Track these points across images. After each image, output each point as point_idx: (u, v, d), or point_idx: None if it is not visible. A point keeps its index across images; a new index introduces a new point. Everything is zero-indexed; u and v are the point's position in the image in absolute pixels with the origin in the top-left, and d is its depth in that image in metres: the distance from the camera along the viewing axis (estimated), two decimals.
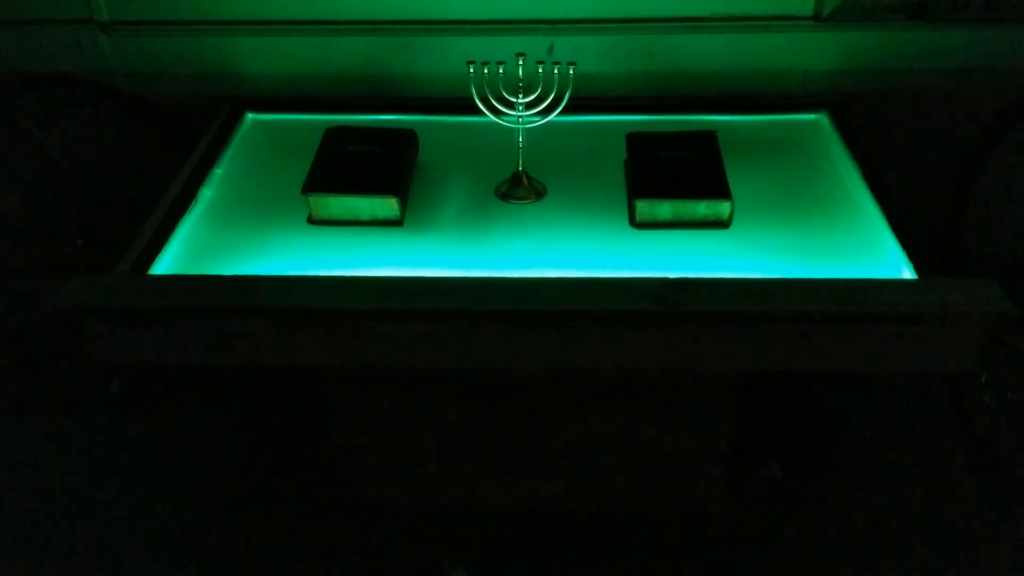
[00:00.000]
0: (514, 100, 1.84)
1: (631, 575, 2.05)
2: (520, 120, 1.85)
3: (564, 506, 2.15)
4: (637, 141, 1.95)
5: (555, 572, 2.06)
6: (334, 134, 1.98)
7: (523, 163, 1.90)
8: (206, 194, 1.94)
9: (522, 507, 2.16)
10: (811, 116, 2.16)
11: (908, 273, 1.66)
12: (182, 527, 2.17)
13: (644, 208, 1.79)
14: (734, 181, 1.83)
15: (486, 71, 1.80)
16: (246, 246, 1.78)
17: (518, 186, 1.90)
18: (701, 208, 1.78)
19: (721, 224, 1.79)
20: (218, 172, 2.01)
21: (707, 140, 1.94)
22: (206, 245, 1.80)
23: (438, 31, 2.21)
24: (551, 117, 1.84)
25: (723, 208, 1.78)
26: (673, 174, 1.84)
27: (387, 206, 1.82)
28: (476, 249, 1.77)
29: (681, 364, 1.63)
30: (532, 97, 1.83)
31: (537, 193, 1.91)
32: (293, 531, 2.15)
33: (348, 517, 2.17)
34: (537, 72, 1.80)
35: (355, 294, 1.60)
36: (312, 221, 1.84)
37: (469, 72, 1.80)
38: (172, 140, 2.32)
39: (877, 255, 1.72)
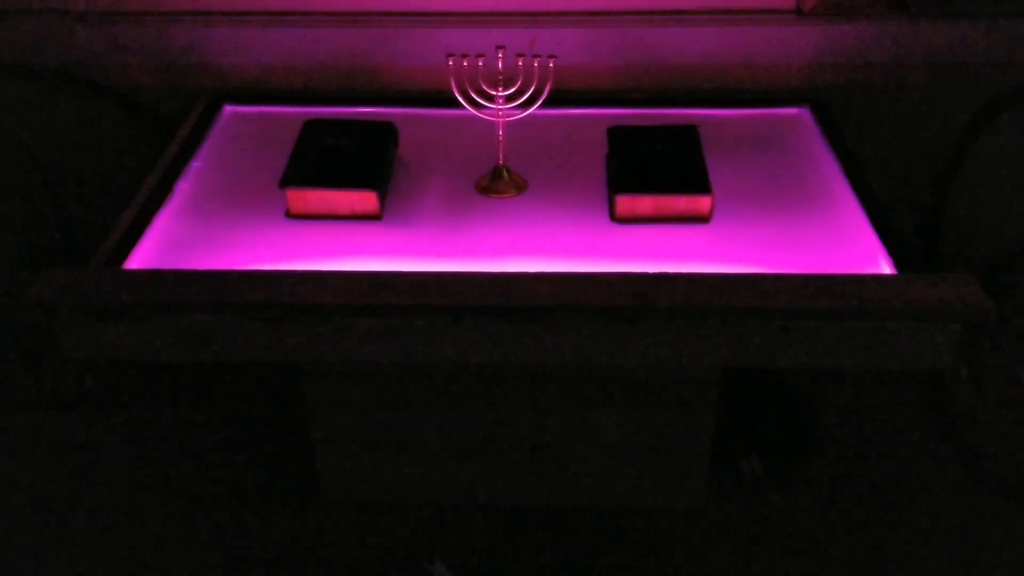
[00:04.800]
0: (494, 93, 1.83)
1: (613, 570, 2.05)
2: (500, 113, 1.84)
3: (545, 502, 2.15)
4: (618, 135, 1.94)
5: (537, 567, 2.06)
6: (312, 127, 1.96)
7: (504, 157, 1.89)
8: (183, 187, 1.92)
9: (503, 502, 2.15)
10: (792, 110, 2.16)
11: (888, 268, 1.66)
12: (159, 526, 2.15)
13: (625, 202, 1.78)
14: (715, 175, 1.83)
15: (466, 63, 1.79)
16: (223, 240, 1.77)
17: (498, 180, 1.89)
18: (682, 203, 1.78)
19: (702, 219, 1.79)
20: (195, 165, 1.99)
21: (688, 134, 1.94)
22: (182, 239, 1.78)
23: (418, 23, 2.19)
24: (532, 110, 1.83)
25: (703, 203, 1.78)
26: (654, 168, 1.83)
27: (366, 200, 1.80)
28: (456, 244, 1.76)
29: (661, 359, 1.63)
30: (512, 90, 1.82)
31: (518, 187, 1.90)
32: (272, 528, 2.14)
33: (328, 514, 2.16)
34: (518, 65, 1.79)
35: (333, 289, 1.58)
36: (290, 215, 1.82)
37: (449, 65, 1.79)
38: (149, 132, 2.29)
39: (857, 250, 1.73)
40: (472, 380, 1.96)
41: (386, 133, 1.96)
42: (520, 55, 1.80)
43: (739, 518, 2.15)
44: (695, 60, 2.21)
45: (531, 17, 2.18)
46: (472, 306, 1.56)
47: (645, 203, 1.78)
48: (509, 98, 1.83)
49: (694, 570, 2.04)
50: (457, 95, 1.82)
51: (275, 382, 2.49)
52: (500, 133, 1.87)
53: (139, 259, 1.72)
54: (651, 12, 2.19)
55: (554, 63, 1.78)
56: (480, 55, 1.79)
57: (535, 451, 2.06)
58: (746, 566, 2.05)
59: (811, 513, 2.15)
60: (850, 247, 1.73)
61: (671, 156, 1.87)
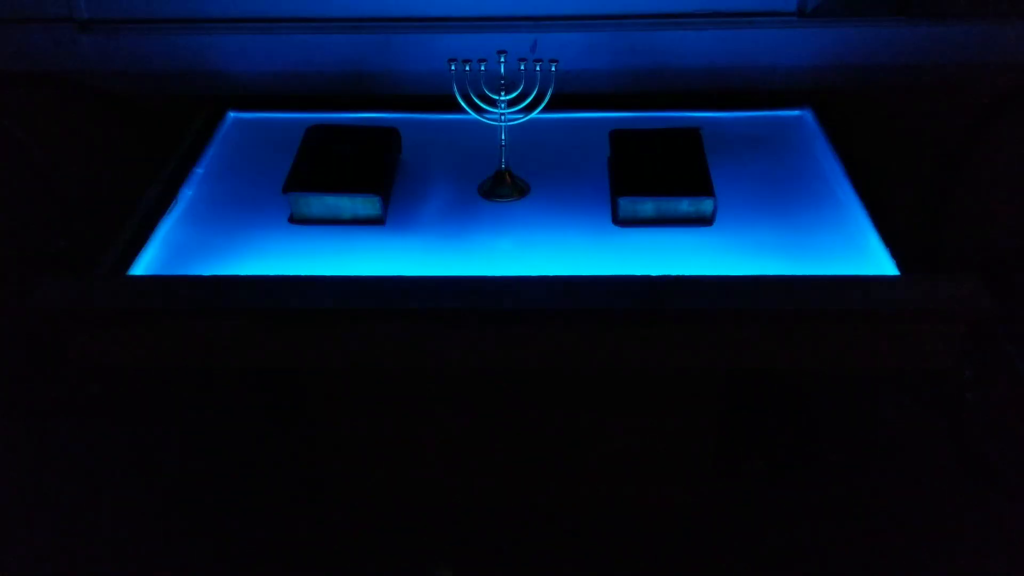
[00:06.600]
0: (496, 98, 1.83)
1: (617, 571, 2.05)
2: (502, 118, 1.85)
3: (550, 503, 2.15)
4: (620, 138, 1.95)
5: (542, 569, 2.06)
6: (316, 132, 1.97)
7: (506, 161, 1.89)
8: (187, 194, 1.93)
9: (508, 505, 2.15)
10: (795, 112, 2.16)
11: (891, 269, 1.66)
12: (166, 528, 2.16)
13: (627, 206, 1.79)
14: (717, 178, 1.83)
15: (468, 69, 1.80)
16: (227, 246, 1.77)
17: (501, 184, 1.90)
18: (684, 205, 1.78)
19: (704, 221, 1.79)
20: (199, 171, 2.00)
21: (690, 137, 1.94)
22: (186, 245, 1.79)
23: (420, 28, 2.20)
24: (533, 114, 1.84)
25: (706, 205, 1.78)
26: (656, 171, 1.84)
27: (369, 205, 1.81)
28: (459, 248, 1.76)
29: (665, 362, 1.63)
30: (514, 95, 1.82)
31: (520, 191, 1.90)
32: (278, 531, 2.14)
33: (332, 518, 2.16)
34: (519, 69, 1.80)
35: (337, 294, 1.59)
36: (293, 220, 1.83)
37: (451, 70, 1.80)
38: (153, 140, 2.30)
39: (860, 252, 1.72)
40: (475, 383, 1.96)
41: (389, 138, 1.97)
42: (521, 60, 1.80)
43: (742, 518, 2.14)
44: (697, 63, 2.21)
45: (532, 22, 2.19)
46: (474, 310, 1.56)
47: (647, 206, 1.78)
48: (511, 102, 1.83)
49: (697, 570, 2.04)
50: (459, 100, 1.82)
51: (279, 386, 2.49)
52: (502, 137, 1.87)
53: (144, 265, 1.73)
54: (652, 16, 2.19)
55: (556, 67, 1.79)
56: (482, 60, 1.79)
57: (539, 453, 2.06)
58: (749, 566, 2.05)
59: (814, 513, 2.15)
60: (853, 248, 1.73)
61: (673, 159, 1.88)
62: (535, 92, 1.82)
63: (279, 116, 2.19)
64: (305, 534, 2.14)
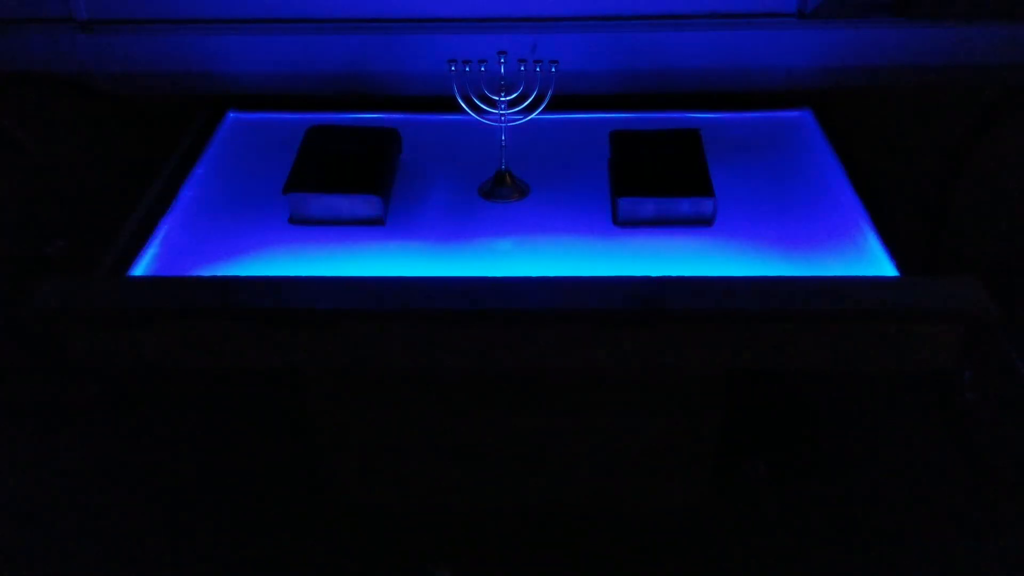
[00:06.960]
0: (496, 99, 1.83)
1: (616, 571, 2.05)
2: (503, 119, 1.85)
3: (549, 505, 2.15)
4: (620, 139, 1.95)
5: (541, 570, 2.06)
6: (316, 133, 1.97)
7: (506, 162, 1.89)
8: (187, 194, 1.93)
9: (507, 507, 2.15)
10: (795, 113, 2.16)
11: (890, 270, 1.66)
12: (164, 530, 2.16)
13: (627, 206, 1.79)
14: (717, 179, 1.83)
15: (468, 69, 1.80)
16: (227, 247, 1.77)
17: (501, 185, 1.90)
18: (684, 206, 1.78)
19: (704, 222, 1.79)
20: (199, 171, 2.00)
21: (690, 138, 1.94)
22: (186, 246, 1.79)
23: (421, 29, 2.20)
24: (534, 115, 1.84)
25: (706, 206, 1.78)
26: (656, 172, 1.84)
27: (369, 205, 1.81)
28: (459, 248, 1.76)
29: (665, 363, 1.63)
30: (514, 95, 1.82)
31: (520, 192, 1.90)
32: (276, 533, 2.14)
33: (332, 519, 2.16)
34: (519, 70, 1.80)
35: (337, 295, 1.59)
36: (293, 221, 1.82)
37: (451, 70, 1.80)
38: (153, 140, 2.30)
39: (860, 253, 1.72)
40: (476, 384, 1.96)
41: (389, 139, 1.97)
42: (522, 60, 1.80)
43: (743, 521, 2.14)
44: (697, 63, 2.22)
45: (532, 22, 2.19)
46: (475, 311, 1.56)
47: (648, 206, 1.78)
48: (511, 103, 1.83)
49: (697, 570, 2.04)
50: (459, 101, 1.82)
51: (279, 387, 2.49)
52: (503, 138, 1.87)
53: (144, 265, 1.73)
54: (652, 16, 2.19)
55: (556, 68, 1.79)
56: (482, 61, 1.79)
57: (539, 455, 2.06)
58: (749, 566, 2.05)
59: (815, 515, 2.15)
60: (853, 249, 1.73)
61: (673, 159, 1.88)
62: (535, 93, 1.82)
63: (279, 116, 2.19)
64: (305, 534, 2.13)
